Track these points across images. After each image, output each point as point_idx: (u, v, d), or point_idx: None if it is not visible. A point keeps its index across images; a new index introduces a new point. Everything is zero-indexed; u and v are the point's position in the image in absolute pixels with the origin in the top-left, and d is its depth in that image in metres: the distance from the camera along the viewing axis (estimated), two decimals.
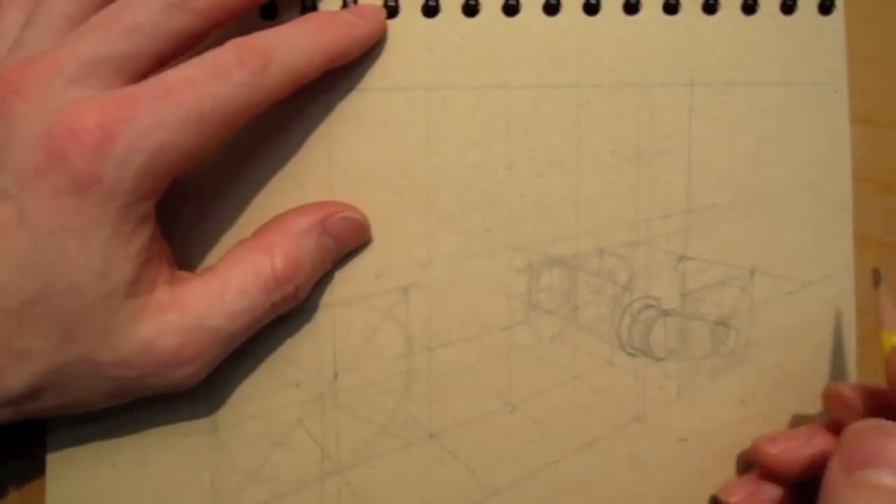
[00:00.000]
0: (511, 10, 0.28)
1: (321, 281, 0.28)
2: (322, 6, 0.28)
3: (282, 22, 0.28)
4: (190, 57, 0.24)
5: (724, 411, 0.28)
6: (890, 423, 0.22)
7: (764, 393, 0.29)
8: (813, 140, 0.29)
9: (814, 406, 0.29)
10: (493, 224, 0.28)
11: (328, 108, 0.28)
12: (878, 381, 0.29)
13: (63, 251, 0.22)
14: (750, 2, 0.28)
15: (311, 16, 0.27)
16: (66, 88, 0.23)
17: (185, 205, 0.27)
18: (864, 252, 0.29)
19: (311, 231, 0.26)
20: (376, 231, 0.28)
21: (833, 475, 0.22)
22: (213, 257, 0.28)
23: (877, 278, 0.27)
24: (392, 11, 0.28)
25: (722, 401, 0.28)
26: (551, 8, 0.28)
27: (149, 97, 0.23)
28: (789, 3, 0.29)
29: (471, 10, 0.28)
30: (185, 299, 0.24)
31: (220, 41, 0.25)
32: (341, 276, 0.28)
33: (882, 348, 0.25)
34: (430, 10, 0.28)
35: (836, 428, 0.25)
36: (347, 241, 0.28)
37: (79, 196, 0.22)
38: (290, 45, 0.25)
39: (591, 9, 0.28)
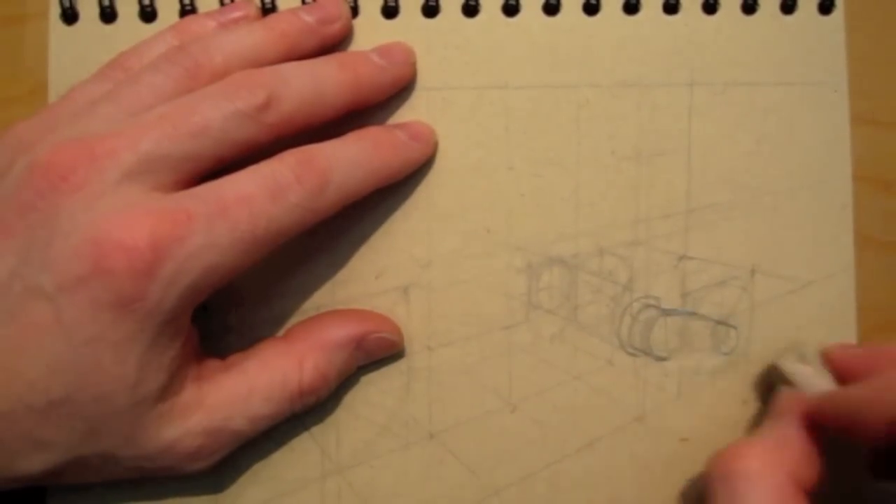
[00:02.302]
0: (511, 10, 0.28)
1: (322, 281, 0.28)
2: None
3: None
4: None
5: (725, 411, 0.28)
6: None
7: (764, 393, 0.28)
8: (813, 140, 0.29)
9: None
10: (493, 224, 0.28)
11: None
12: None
13: (97, 361, 0.22)
14: (750, 1, 0.28)
15: (368, 133, 0.26)
16: (118, 183, 0.22)
17: None
18: (864, 252, 0.29)
19: (346, 346, 0.26)
20: (376, 231, 0.28)
21: None
22: None
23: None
24: (392, 11, 0.28)
25: (723, 401, 0.28)
26: (551, 8, 0.28)
27: (204, 214, 0.22)
28: (789, 2, 0.29)
29: (471, 10, 0.28)
30: (211, 399, 0.24)
31: None
32: (341, 276, 0.28)
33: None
34: (430, 11, 0.28)
35: None
36: (378, 356, 0.27)
37: (119, 311, 0.21)
38: (348, 167, 0.24)
39: (591, 9, 0.28)
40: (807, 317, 0.29)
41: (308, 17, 0.26)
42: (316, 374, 0.25)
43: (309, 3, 0.27)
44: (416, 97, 0.28)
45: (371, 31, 0.28)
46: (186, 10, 0.28)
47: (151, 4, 0.28)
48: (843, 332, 0.29)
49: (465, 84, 0.28)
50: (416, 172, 0.28)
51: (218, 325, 0.28)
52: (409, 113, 0.28)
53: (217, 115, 0.23)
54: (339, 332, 0.26)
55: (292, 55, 0.26)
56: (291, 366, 0.25)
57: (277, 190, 0.23)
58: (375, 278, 0.28)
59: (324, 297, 0.28)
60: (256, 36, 0.25)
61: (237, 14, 0.27)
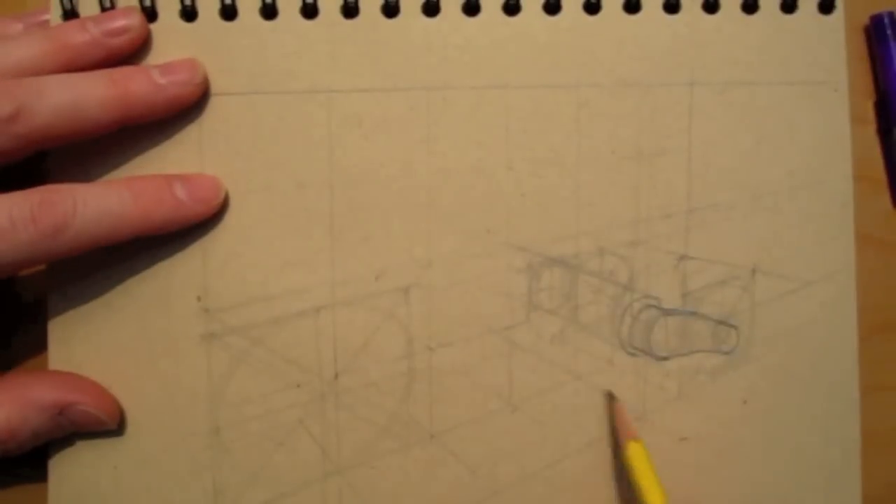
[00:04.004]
0: (512, 9, 0.28)
1: (322, 281, 0.28)
2: (322, 5, 0.28)
3: (286, 25, 0.28)
4: None
5: (725, 411, 0.28)
6: None
7: (764, 392, 0.29)
8: (813, 139, 0.29)
9: (814, 405, 0.29)
10: (494, 224, 0.28)
11: (328, 108, 0.28)
12: (881, 380, 0.29)
13: None
14: (750, 1, 0.28)
15: (135, 183, 0.26)
16: None
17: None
18: (865, 252, 0.29)
19: (48, 409, 0.25)
20: (376, 231, 0.28)
21: None
22: (215, 257, 0.28)
23: (609, 398, 0.28)
24: (392, 11, 0.28)
25: (723, 400, 0.28)
26: (552, 7, 0.28)
27: None
28: (790, 2, 0.29)
29: (471, 9, 0.28)
30: None
31: None
32: (342, 276, 0.28)
33: (627, 460, 0.26)
34: (431, 10, 0.28)
35: None
36: (86, 429, 0.27)
37: None
38: (96, 215, 0.24)
39: (592, 8, 0.28)
40: (807, 316, 0.29)
41: (94, 29, 0.26)
42: (4, 425, 0.25)
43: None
44: (416, 97, 0.28)
45: (371, 30, 0.28)
46: (188, 11, 0.28)
47: (152, 5, 0.28)
48: (843, 332, 0.29)
49: (465, 84, 0.28)
50: (416, 173, 0.28)
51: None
52: (408, 113, 0.28)
53: None
54: (44, 394, 0.26)
55: (75, 67, 0.26)
56: None
57: (9, 227, 0.23)
58: (376, 279, 0.28)
59: (324, 298, 0.28)
60: (34, 47, 0.25)
61: (45, 17, 0.28)
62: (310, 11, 0.28)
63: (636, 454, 0.26)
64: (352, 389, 0.28)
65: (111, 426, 0.27)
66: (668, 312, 0.28)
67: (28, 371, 0.27)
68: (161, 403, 0.27)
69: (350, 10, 0.28)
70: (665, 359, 0.28)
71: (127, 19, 0.27)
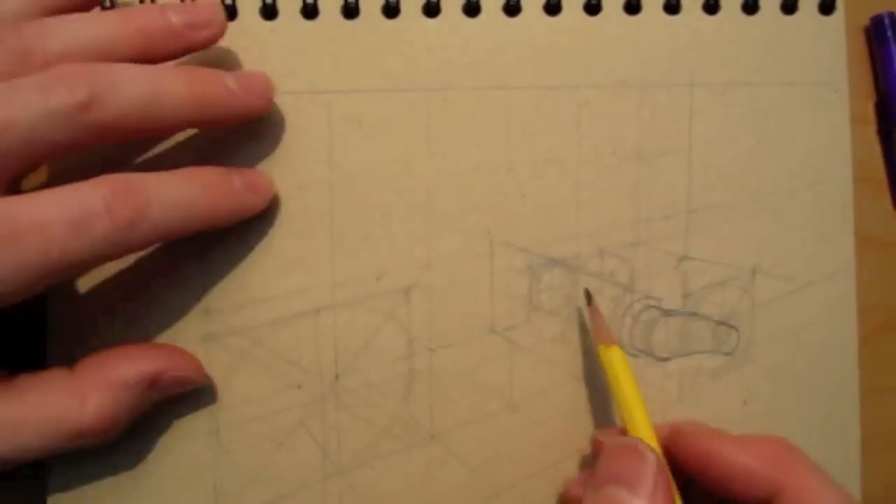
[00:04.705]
0: (512, 10, 0.28)
1: (323, 283, 0.28)
2: (322, 5, 0.28)
3: (286, 25, 0.28)
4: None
5: (726, 411, 0.28)
6: (640, 441, 0.23)
7: (765, 393, 0.29)
8: (813, 140, 0.29)
9: (814, 406, 0.29)
10: (494, 225, 0.28)
11: (328, 109, 0.28)
12: (881, 381, 0.29)
13: None
14: (751, 2, 0.28)
15: (199, 174, 0.24)
16: None
17: None
18: (865, 252, 0.29)
19: (138, 385, 0.24)
20: (377, 232, 0.28)
21: (588, 491, 0.22)
22: (216, 257, 0.27)
23: (588, 296, 0.27)
24: (392, 11, 0.28)
25: (723, 401, 0.28)
26: (552, 8, 0.28)
27: None
28: (790, 3, 0.29)
29: (472, 10, 0.28)
30: None
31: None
32: (342, 277, 0.28)
33: (600, 361, 0.26)
34: (431, 10, 0.28)
35: None
36: (175, 391, 0.26)
37: None
38: (168, 206, 0.22)
39: (592, 9, 0.28)
40: (807, 317, 0.29)
41: (174, 18, 0.24)
42: (100, 416, 0.23)
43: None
44: (416, 98, 0.28)
45: (371, 31, 0.28)
46: None
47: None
48: (843, 331, 0.29)
49: (465, 84, 0.28)
50: (417, 173, 0.28)
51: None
52: (408, 113, 0.28)
53: (25, 111, 0.20)
54: (130, 371, 0.24)
55: (148, 55, 0.24)
56: (72, 403, 0.23)
57: (83, 220, 0.21)
58: (376, 280, 0.28)
59: (324, 299, 0.28)
60: (108, 27, 0.23)
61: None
62: (310, 12, 0.28)
63: (615, 358, 0.25)
64: (352, 390, 0.28)
65: (203, 382, 0.26)
66: (668, 313, 0.28)
67: (107, 350, 0.25)
68: (161, 404, 0.27)
69: (350, 11, 0.28)
70: (665, 360, 0.28)
71: (211, 14, 0.25)
